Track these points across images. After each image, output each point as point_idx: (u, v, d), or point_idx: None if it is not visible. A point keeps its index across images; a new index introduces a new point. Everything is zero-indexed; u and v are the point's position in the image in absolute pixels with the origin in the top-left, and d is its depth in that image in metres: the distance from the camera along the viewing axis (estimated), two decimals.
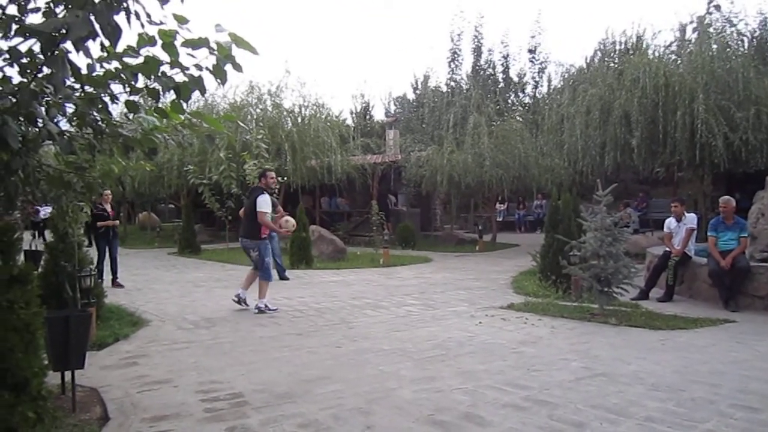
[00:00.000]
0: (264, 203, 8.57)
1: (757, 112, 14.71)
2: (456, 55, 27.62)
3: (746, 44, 19.21)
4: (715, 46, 16.23)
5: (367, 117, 33.19)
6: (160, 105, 3.61)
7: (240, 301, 8.83)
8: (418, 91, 30.98)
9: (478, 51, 27.79)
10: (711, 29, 17.02)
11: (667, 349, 6.38)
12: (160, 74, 3.31)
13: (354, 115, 32.33)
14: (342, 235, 19.61)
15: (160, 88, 3.36)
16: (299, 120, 20.28)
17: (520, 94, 28.62)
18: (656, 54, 17.80)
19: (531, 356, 6.06)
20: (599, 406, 4.53)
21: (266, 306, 8.57)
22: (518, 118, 22.27)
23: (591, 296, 8.41)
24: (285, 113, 20.14)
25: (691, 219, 9.60)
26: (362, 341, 6.77)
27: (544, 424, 4.18)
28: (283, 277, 11.99)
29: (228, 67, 3.27)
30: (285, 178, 16.69)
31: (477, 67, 27.66)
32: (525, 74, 28.34)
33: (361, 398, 4.74)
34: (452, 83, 27.37)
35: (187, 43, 3.15)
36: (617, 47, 20.72)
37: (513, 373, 5.43)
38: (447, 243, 19.90)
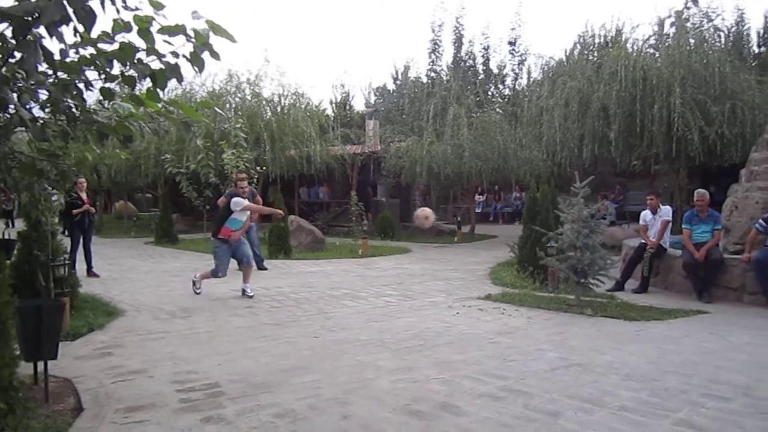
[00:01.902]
0: None
1: (732, 106, 14.92)
2: (437, 46, 27.62)
3: (723, 39, 19.42)
4: (692, 41, 16.40)
5: (347, 107, 33.04)
6: (135, 92, 3.56)
7: (245, 293, 9.02)
8: (398, 82, 30.91)
9: (458, 42, 27.80)
10: (689, 24, 17.20)
11: (641, 340, 6.47)
12: (135, 61, 3.27)
13: (334, 105, 32.17)
14: (321, 225, 19.56)
15: (135, 75, 3.32)
16: (278, 109, 20.16)
17: (500, 86, 28.68)
18: (635, 48, 17.91)
19: (507, 346, 6.10)
20: (574, 396, 4.58)
21: (197, 285, 9.19)
22: (498, 109, 22.34)
23: (567, 287, 8.49)
24: (264, 102, 20.00)
25: (666, 211, 9.72)
26: (340, 331, 6.77)
27: (519, 414, 4.22)
28: (261, 267, 11.94)
29: (205, 55, 3.24)
30: (264, 168, 16.58)
31: (457, 59, 27.67)
32: (505, 66, 28.42)
33: (338, 388, 4.75)
34: (432, 74, 27.37)
35: (164, 30, 3.11)
36: (596, 40, 20.73)
37: (489, 363, 5.47)
38: (426, 234, 19.92)
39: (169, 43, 3.19)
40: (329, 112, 28.69)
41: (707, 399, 4.54)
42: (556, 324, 7.21)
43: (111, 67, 3.31)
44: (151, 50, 3.22)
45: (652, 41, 18.25)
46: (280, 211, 11.05)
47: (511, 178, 19.85)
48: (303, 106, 20.68)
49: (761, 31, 22.28)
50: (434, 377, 5.04)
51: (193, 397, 4.54)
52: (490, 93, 27.49)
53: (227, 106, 19.29)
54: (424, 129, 19.60)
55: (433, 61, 27.60)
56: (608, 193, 21.99)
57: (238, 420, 4.09)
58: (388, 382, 4.93)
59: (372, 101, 32.86)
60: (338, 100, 32.86)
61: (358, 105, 33.86)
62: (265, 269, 11.95)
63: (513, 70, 28.39)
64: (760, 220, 8.54)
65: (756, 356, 5.83)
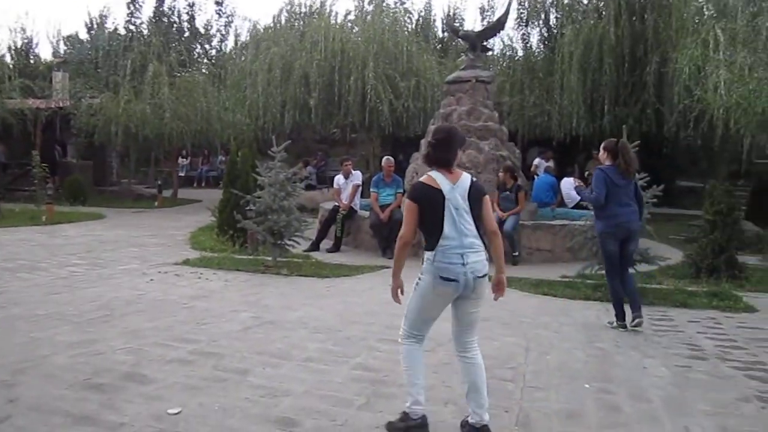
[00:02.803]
0: None
1: (417, 83, 16.62)
2: None
3: (413, 22, 21.42)
4: (387, 20, 17.77)
5: (30, 55, 29.04)
6: None
7: None
8: (93, 32, 28.09)
9: None
10: (384, 4, 18.58)
11: (331, 295, 6.91)
12: None
13: (12, 52, 28.01)
14: None
15: None
16: None
17: (207, 47, 27.86)
18: (336, 20, 18.83)
19: (202, 310, 6.03)
20: (264, 352, 4.72)
21: None
22: (204, 70, 21.69)
23: (266, 249, 8.67)
24: None
25: (356, 176, 10.45)
26: (12, 308, 5.98)
27: (208, 375, 4.21)
28: None
29: None
30: None
31: (159, 13, 26.08)
32: (212, 26, 27.65)
33: (5, 370, 4.20)
34: (132, 27, 25.45)
35: None
36: (302, 9, 21.30)
37: (182, 328, 5.35)
38: (124, 199, 18.67)
39: None
40: (7, 59, 24.94)
41: (382, 343, 5.04)
42: (252, 285, 7.33)
43: None
44: None
45: (352, 16, 19.35)
46: None
47: (216, 141, 19.45)
48: None
49: (444, 19, 25.00)
50: (120, 348, 4.76)
51: None
52: (196, 53, 26.54)
53: None
54: (121, 85, 18.16)
55: (132, 13, 25.64)
56: (310, 159, 22.89)
57: None
58: (66, 357, 4.52)
59: (61, 51, 29.39)
60: (18, 47, 28.70)
61: (44, 54, 30.01)
62: None
63: (219, 31, 27.79)
64: None
65: None
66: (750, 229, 10.89)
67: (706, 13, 13.58)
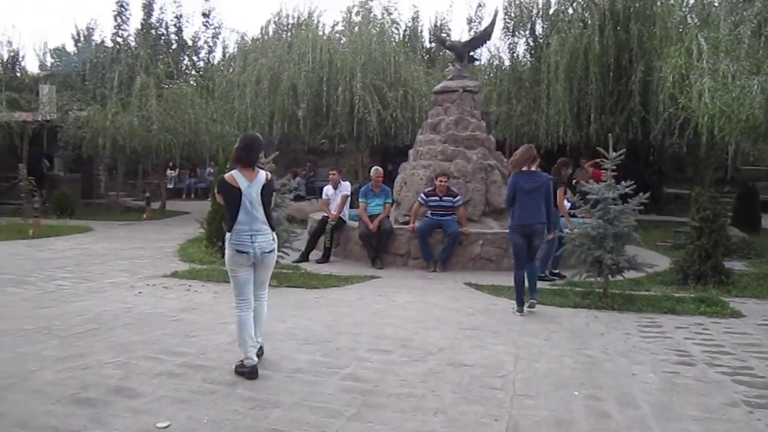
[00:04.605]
0: None
1: (404, 93, 16.69)
2: (123, 10, 25.59)
3: (401, 33, 21.53)
4: (374, 31, 17.84)
5: (17, 68, 28.89)
6: None
7: None
8: (80, 45, 27.98)
9: (148, 8, 26.12)
10: (372, 15, 18.65)
11: (320, 306, 6.89)
12: None
13: None
14: None
15: None
16: None
17: (194, 58, 27.79)
18: (324, 31, 18.89)
19: (190, 323, 6.01)
20: None
21: None
22: (191, 82, 21.67)
23: None
24: None
25: (345, 186, 10.45)
26: None
27: (197, 388, 4.20)
28: None
29: None
30: None
31: (147, 25, 26.01)
32: (199, 38, 27.59)
33: None
34: (119, 39, 25.35)
35: None
36: (290, 21, 21.35)
37: (170, 341, 5.33)
38: (112, 211, 18.59)
39: None
40: None
41: (372, 353, 5.05)
42: None
43: None
44: None
45: (340, 27, 19.42)
46: None
47: (204, 153, 19.41)
48: None
49: (431, 29, 25.11)
50: (108, 362, 4.74)
51: None
52: (184, 65, 26.48)
53: None
54: (108, 98, 18.12)
55: (119, 26, 25.51)
56: (299, 170, 22.92)
57: None
58: (53, 372, 4.49)
59: (48, 64, 29.26)
60: (4, 60, 28.55)
61: (32, 66, 29.86)
62: None
63: (207, 42, 27.74)
64: (422, 194, 9.68)
65: (414, 312, 6.66)
66: (736, 234, 10.97)
67: (690, 22, 13.73)
